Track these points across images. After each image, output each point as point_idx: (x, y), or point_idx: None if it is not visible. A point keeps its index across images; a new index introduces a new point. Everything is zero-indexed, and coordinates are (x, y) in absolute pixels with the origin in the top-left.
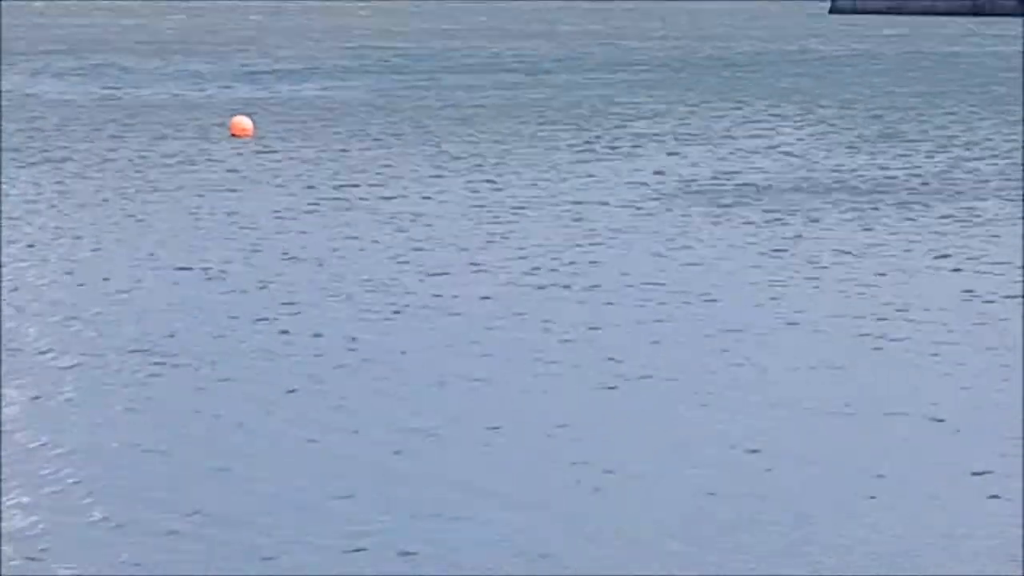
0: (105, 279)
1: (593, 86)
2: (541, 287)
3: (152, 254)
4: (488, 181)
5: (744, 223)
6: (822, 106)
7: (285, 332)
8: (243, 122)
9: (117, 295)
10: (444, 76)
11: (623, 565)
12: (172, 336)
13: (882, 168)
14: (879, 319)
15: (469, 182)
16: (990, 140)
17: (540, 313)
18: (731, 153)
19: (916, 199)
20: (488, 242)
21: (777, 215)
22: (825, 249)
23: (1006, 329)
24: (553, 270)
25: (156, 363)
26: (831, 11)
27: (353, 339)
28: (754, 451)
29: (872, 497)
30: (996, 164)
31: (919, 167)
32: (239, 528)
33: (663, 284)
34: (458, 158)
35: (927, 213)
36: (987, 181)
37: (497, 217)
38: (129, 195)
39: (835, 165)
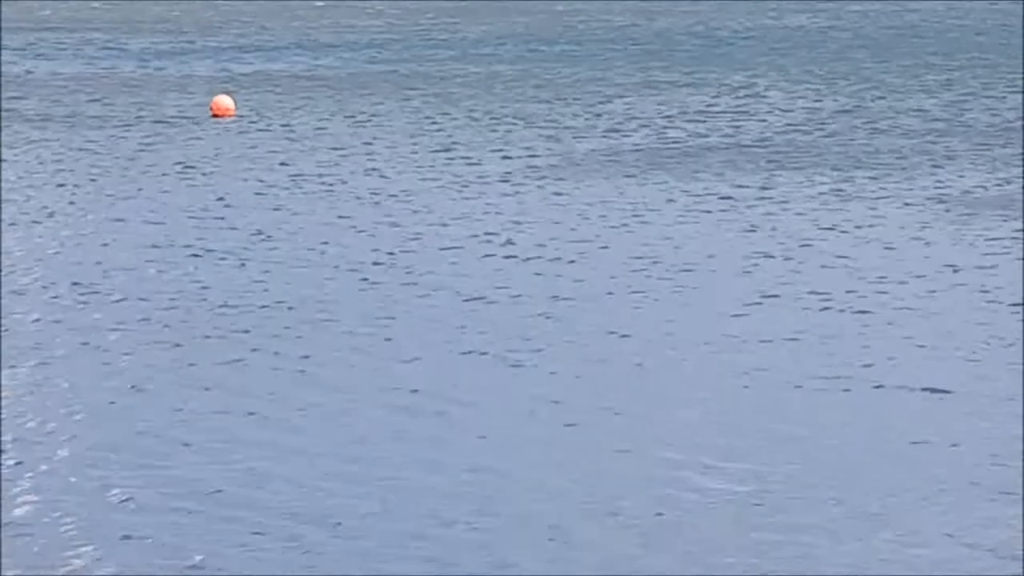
0: (89, 257)
1: (571, 62)
2: (520, 259)
3: (134, 233)
4: (464, 157)
5: (720, 198)
6: (799, 81)
7: (266, 306)
8: (224, 101)
9: (100, 272)
10: (427, 52)
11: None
12: (163, 312)
13: (858, 141)
14: (857, 291)
15: (449, 158)
16: (968, 111)
17: (520, 286)
18: (708, 128)
19: (894, 172)
20: (470, 217)
21: (752, 189)
22: (801, 221)
23: (987, 299)
24: (541, 244)
25: (149, 339)
26: None
27: (337, 312)
28: (745, 425)
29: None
30: (974, 136)
31: (897, 140)
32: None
33: (639, 254)
34: (439, 133)
35: (907, 185)
36: (963, 154)
37: (479, 192)
38: (109, 175)
39: (810, 140)
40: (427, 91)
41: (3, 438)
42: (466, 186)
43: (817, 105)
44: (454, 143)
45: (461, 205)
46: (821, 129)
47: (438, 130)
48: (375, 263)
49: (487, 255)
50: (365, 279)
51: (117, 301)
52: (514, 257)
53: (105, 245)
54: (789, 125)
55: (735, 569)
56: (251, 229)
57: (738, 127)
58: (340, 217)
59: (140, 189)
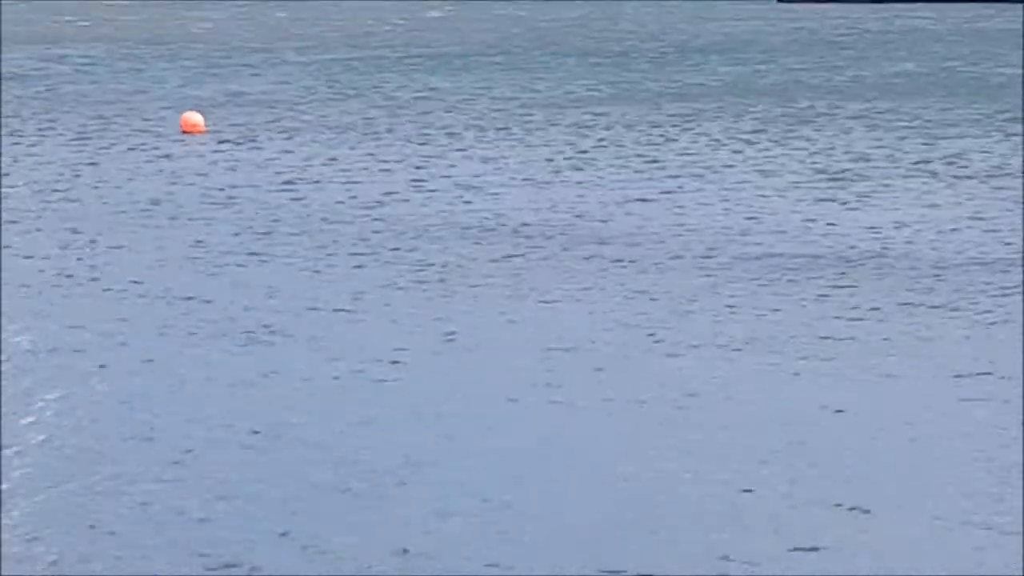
0: (60, 271)
1: (530, 77)
2: (482, 249)
3: (104, 248)
4: (437, 156)
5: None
6: (755, 92)
7: (232, 313)
8: (194, 118)
9: (68, 285)
10: (398, 68)
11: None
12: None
13: (816, 153)
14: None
15: (418, 168)
16: (926, 120)
17: (475, 280)
18: (661, 141)
19: (853, 178)
20: (444, 219)
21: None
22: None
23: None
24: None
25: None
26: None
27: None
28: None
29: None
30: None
31: (862, 151)
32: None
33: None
34: (408, 144)
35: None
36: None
37: (454, 194)
38: (76, 189)
39: (764, 150)
40: (400, 106)
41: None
42: (440, 192)
43: (764, 117)
44: (426, 156)
45: (436, 209)
46: (768, 142)
47: (410, 140)
48: (343, 264)
49: (463, 249)
50: (333, 279)
51: (85, 314)
52: (488, 251)
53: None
54: (734, 137)
55: None
56: (221, 245)
57: (688, 138)
58: (309, 228)
59: (105, 201)
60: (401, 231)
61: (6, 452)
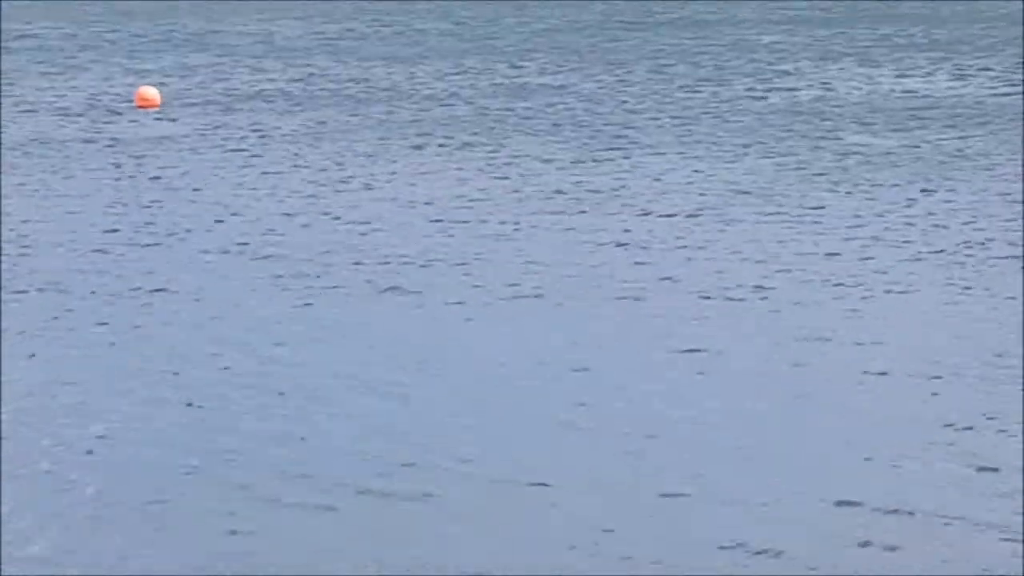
0: (26, 248)
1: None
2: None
3: (67, 220)
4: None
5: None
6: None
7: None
8: (149, 92)
9: (36, 263)
10: (352, 45)
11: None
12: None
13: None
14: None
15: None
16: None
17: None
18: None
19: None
20: (406, 192)
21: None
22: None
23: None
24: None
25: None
26: None
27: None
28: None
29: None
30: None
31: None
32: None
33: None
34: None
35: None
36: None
37: (406, 165)
38: (31, 162)
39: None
40: (354, 76)
41: None
42: (392, 160)
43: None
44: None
45: (395, 179)
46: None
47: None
48: (293, 238)
49: (421, 228)
50: (282, 255)
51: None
52: (440, 222)
53: (34, 230)
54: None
55: None
56: (179, 211)
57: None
58: (263, 196)
59: (69, 178)
60: None
61: None
